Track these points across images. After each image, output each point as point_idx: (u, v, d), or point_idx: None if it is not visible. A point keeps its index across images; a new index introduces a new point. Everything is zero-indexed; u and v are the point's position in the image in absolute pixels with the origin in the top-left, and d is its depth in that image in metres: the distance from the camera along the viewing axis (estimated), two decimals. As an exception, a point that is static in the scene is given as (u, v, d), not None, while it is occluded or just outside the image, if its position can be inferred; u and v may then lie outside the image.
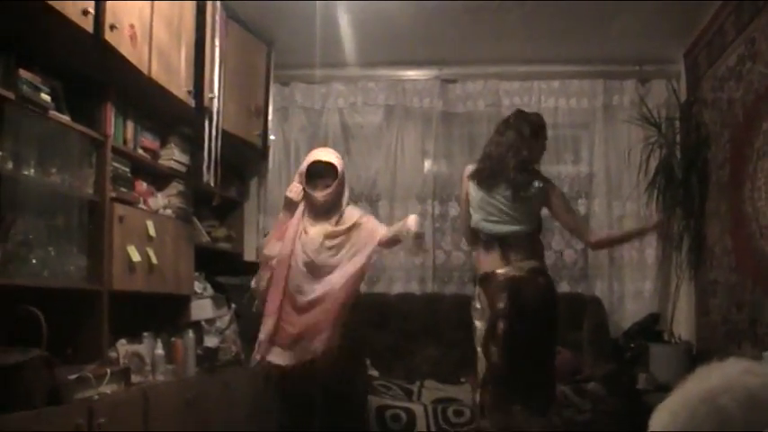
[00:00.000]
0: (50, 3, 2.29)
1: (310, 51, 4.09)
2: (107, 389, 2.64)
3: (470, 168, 3.07)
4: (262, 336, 3.15)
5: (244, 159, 4.37)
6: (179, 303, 3.54)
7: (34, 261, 2.55)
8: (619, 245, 3.33)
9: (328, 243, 3.18)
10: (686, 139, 4.17)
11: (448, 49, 4.45)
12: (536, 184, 2.91)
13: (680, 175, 4.08)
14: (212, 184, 3.64)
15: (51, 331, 2.39)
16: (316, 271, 3.15)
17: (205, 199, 3.96)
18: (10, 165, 2.44)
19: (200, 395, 3.28)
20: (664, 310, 4.30)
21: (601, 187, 4.53)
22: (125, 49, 2.76)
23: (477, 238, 3.02)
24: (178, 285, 3.47)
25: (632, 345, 4.12)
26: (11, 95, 2.38)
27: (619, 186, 4.51)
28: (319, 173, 3.24)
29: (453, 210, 4.61)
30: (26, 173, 2.51)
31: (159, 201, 3.43)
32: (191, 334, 3.45)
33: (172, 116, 3.45)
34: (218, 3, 3.62)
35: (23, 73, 2.45)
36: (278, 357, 3.13)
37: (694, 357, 3.85)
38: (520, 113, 3.09)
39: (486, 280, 2.92)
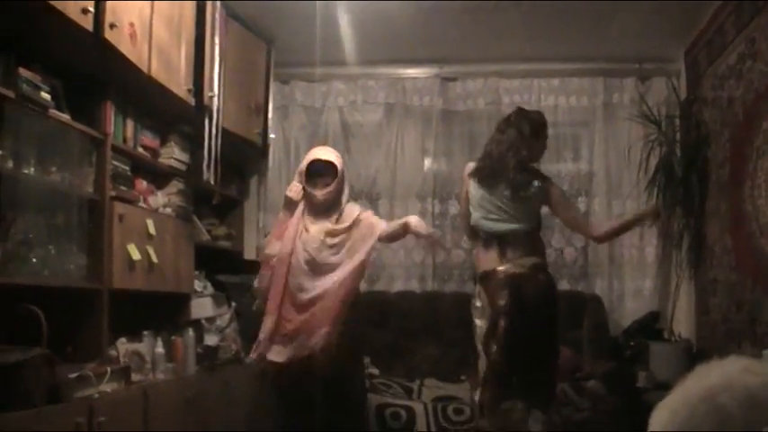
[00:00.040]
0: (50, 2, 2.28)
1: (310, 49, 4.07)
2: (107, 387, 2.64)
3: (471, 166, 3.07)
4: (262, 334, 3.15)
5: (244, 158, 4.36)
6: (179, 302, 3.54)
7: (34, 260, 2.55)
8: (623, 233, 3.36)
9: (329, 241, 3.17)
10: (686, 138, 4.17)
11: (448, 48, 4.44)
12: (536, 183, 2.91)
13: (680, 173, 4.08)
14: (212, 183, 3.63)
15: (51, 330, 2.39)
16: (317, 269, 3.15)
17: (205, 197, 3.96)
18: (10, 163, 2.43)
19: (200, 393, 3.28)
20: (664, 309, 4.30)
21: (601, 185, 4.53)
22: (125, 47, 2.76)
23: (476, 236, 3.02)
24: (178, 284, 3.47)
25: (632, 343, 4.12)
26: (11, 94, 2.38)
27: (619, 184, 4.51)
28: (319, 171, 3.23)
29: (453, 208, 4.61)
30: (26, 171, 2.51)
31: (159, 199, 3.43)
32: (191, 332, 3.45)
33: (172, 114, 3.45)
34: (218, 1, 3.62)
35: (23, 71, 2.44)
36: (276, 355, 3.13)
37: (694, 356, 3.85)
38: (521, 111, 3.08)
39: (486, 278, 2.91)
